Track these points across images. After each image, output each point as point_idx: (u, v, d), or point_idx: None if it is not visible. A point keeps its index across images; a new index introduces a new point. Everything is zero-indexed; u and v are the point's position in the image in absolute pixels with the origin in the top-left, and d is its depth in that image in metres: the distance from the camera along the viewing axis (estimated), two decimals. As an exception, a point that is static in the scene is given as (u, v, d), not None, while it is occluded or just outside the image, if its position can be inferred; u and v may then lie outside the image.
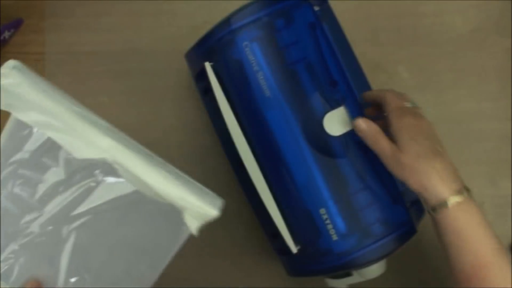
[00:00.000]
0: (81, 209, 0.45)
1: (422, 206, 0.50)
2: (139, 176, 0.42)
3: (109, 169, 0.44)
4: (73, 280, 0.46)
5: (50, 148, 0.44)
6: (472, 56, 0.63)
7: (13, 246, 0.45)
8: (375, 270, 0.52)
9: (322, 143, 0.49)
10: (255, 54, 0.49)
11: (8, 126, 0.45)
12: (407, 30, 0.63)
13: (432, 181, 0.45)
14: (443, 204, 0.45)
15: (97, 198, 0.45)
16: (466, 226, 0.45)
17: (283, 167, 0.49)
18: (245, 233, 0.62)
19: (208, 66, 0.51)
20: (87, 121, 0.42)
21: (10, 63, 0.40)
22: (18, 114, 0.40)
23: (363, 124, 0.48)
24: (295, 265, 0.54)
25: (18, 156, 0.45)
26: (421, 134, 0.47)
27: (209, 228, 0.62)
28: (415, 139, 0.46)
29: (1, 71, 0.38)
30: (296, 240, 0.50)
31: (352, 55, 0.58)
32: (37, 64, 0.64)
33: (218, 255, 0.62)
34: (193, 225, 0.43)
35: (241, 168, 0.51)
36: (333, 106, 0.49)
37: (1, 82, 0.38)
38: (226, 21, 0.49)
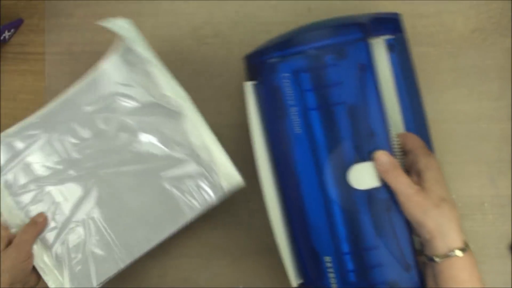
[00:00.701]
0: (108, 169, 0.54)
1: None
2: (201, 133, 0.53)
3: (148, 138, 0.54)
4: (75, 228, 0.54)
5: (105, 109, 0.55)
6: (472, 56, 0.63)
7: (43, 181, 0.55)
8: None
9: (343, 193, 0.47)
10: (293, 88, 0.47)
11: (84, 83, 0.56)
12: (407, 30, 0.63)
13: (451, 227, 0.44)
14: (452, 253, 0.44)
15: (124, 163, 0.54)
16: (469, 279, 0.44)
17: (301, 205, 0.48)
18: (245, 233, 0.62)
19: (247, 86, 0.50)
20: (172, 76, 0.55)
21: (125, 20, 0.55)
22: (131, 45, 0.55)
23: (385, 157, 0.46)
24: None
25: (79, 112, 0.55)
26: (443, 179, 0.46)
27: (209, 228, 0.62)
28: (439, 182, 0.46)
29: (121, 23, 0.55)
30: (302, 273, 0.50)
31: (416, 94, 0.54)
32: (37, 64, 0.64)
33: (218, 255, 0.62)
34: (225, 184, 0.53)
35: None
36: (363, 158, 0.46)
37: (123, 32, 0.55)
38: (276, 45, 0.48)
